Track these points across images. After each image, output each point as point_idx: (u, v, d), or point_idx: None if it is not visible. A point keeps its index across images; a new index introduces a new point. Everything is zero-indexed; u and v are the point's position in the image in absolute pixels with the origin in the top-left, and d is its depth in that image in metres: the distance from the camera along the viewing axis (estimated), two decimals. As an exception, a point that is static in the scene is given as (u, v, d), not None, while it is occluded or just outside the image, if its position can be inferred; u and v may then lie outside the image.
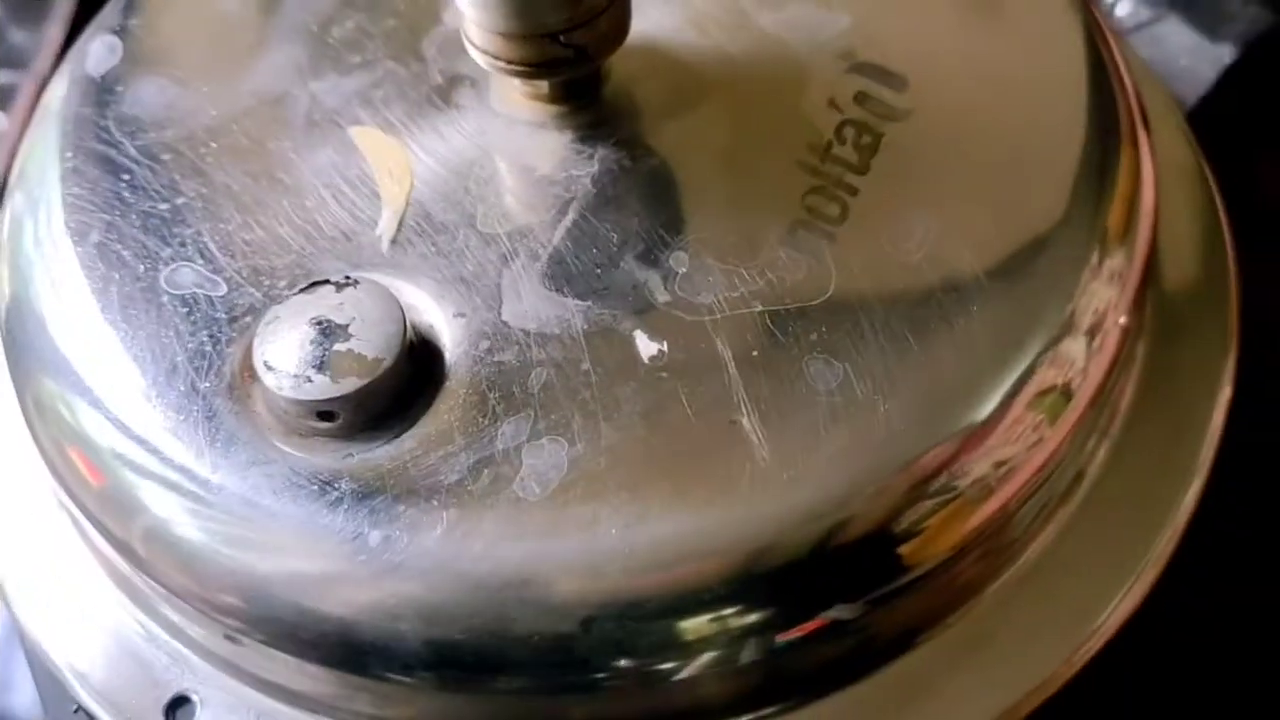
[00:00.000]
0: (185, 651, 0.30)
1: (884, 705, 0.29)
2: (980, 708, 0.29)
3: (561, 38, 0.28)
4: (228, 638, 0.28)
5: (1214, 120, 0.39)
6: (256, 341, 0.27)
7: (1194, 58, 0.39)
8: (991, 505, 0.28)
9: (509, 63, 0.29)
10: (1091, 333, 0.29)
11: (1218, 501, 0.31)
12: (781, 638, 0.27)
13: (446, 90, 0.31)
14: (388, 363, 0.26)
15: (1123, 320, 0.29)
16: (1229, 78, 0.39)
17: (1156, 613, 0.30)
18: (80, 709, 0.31)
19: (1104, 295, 0.29)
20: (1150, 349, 0.32)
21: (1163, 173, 0.32)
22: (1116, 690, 0.30)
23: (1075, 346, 0.28)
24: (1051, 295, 0.28)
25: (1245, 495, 0.32)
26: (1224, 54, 0.39)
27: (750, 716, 0.28)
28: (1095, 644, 0.30)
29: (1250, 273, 0.34)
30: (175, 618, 0.29)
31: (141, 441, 0.27)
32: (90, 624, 0.31)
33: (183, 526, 0.27)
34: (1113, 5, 0.41)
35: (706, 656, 0.26)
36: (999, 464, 0.27)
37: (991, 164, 0.30)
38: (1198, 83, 0.39)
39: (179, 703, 0.29)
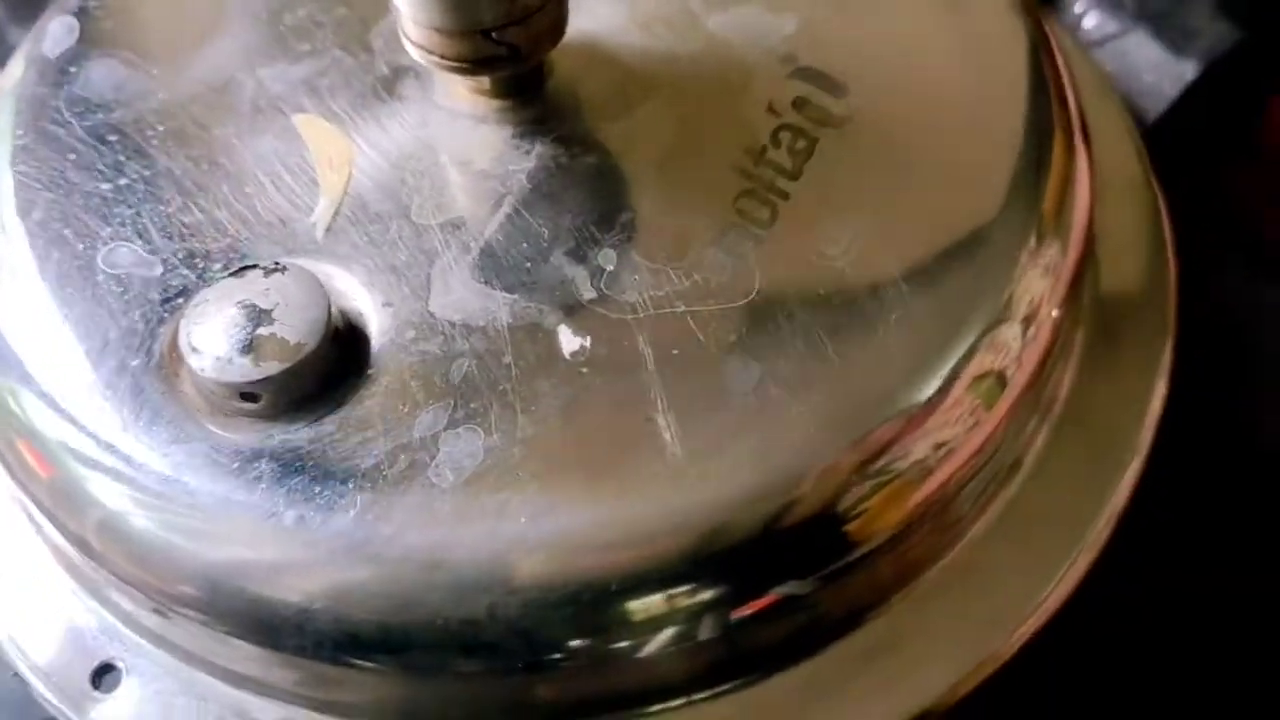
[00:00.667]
0: (113, 621, 0.30)
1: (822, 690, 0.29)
2: (916, 690, 0.29)
3: (494, 35, 0.28)
4: (155, 610, 0.28)
5: (1180, 132, 0.39)
6: (184, 323, 0.28)
7: (1158, 73, 0.39)
8: (905, 508, 0.28)
9: (442, 58, 0.29)
10: (1020, 336, 0.29)
11: (1150, 489, 0.31)
12: (707, 624, 0.27)
13: (391, 81, 0.32)
14: (310, 347, 0.27)
15: (1050, 328, 0.30)
16: (1191, 94, 0.39)
17: (1087, 599, 0.30)
18: (16, 675, 0.31)
19: (1034, 296, 0.29)
20: (1089, 341, 0.33)
21: (1107, 178, 0.33)
22: (1043, 676, 0.30)
23: (1001, 350, 0.29)
24: (975, 305, 0.29)
25: (1177, 483, 0.32)
26: (1187, 70, 0.39)
27: (661, 706, 0.28)
28: (1035, 623, 0.30)
29: (1212, 269, 0.35)
30: (100, 585, 0.29)
31: (65, 415, 0.28)
32: (24, 590, 0.31)
33: (103, 499, 0.27)
34: (1080, 18, 0.41)
35: (611, 643, 0.27)
36: (914, 466, 0.27)
37: (924, 171, 0.30)
38: (1160, 98, 0.39)
39: (105, 670, 0.30)
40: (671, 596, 0.27)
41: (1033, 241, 0.30)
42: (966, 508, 0.30)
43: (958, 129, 0.31)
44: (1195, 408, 0.33)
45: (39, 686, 0.30)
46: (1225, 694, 0.35)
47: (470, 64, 0.29)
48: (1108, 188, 0.34)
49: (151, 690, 0.29)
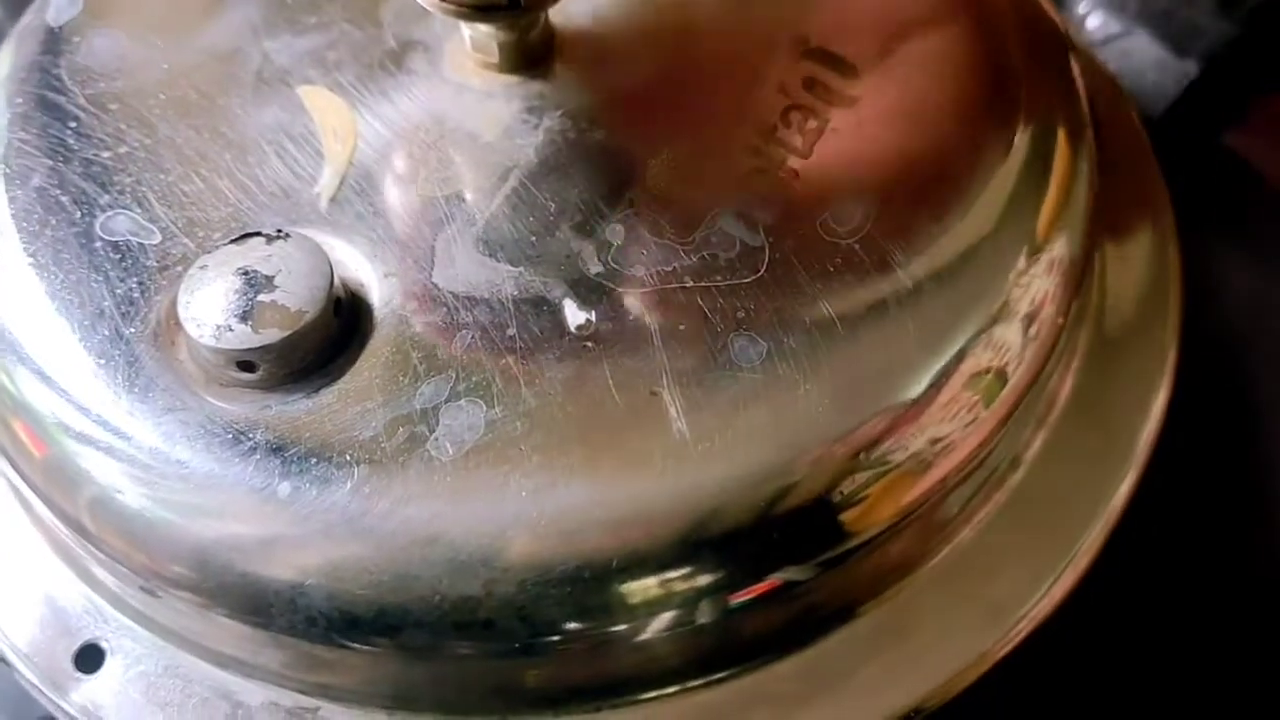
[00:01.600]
0: (100, 601, 0.30)
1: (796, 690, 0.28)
2: (916, 680, 0.29)
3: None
4: (144, 589, 0.28)
5: (1183, 130, 0.39)
6: (182, 289, 0.27)
7: (1160, 72, 0.39)
8: (909, 493, 0.27)
9: (443, 1, 0.28)
10: (1025, 325, 0.29)
11: (1152, 490, 0.30)
12: (706, 608, 0.27)
13: (399, 55, 0.31)
14: (311, 315, 0.26)
15: (1058, 314, 0.29)
16: (1193, 91, 0.39)
17: (1089, 596, 0.30)
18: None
19: (1039, 287, 0.29)
20: (1093, 338, 0.32)
21: (1114, 175, 0.32)
22: (1044, 672, 0.30)
23: (1007, 336, 0.28)
24: (984, 287, 0.28)
25: (1178, 485, 0.32)
26: (1189, 69, 0.39)
27: (655, 692, 0.28)
28: (1037, 616, 0.30)
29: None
30: (87, 564, 0.29)
31: (58, 386, 0.27)
32: (7, 571, 0.31)
33: (95, 474, 0.27)
34: (1084, 18, 0.40)
35: (608, 625, 0.26)
36: (920, 450, 0.27)
37: (933, 153, 0.30)
38: (1163, 97, 0.39)
39: (89, 650, 0.29)
40: (671, 578, 0.26)
41: (1038, 234, 0.29)
42: (970, 496, 0.29)
43: (967, 116, 0.30)
44: (1196, 410, 0.32)
45: (19, 667, 0.29)
46: (1224, 694, 0.35)
47: (469, 8, 0.28)
48: (1114, 185, 0.34)
49: (135, 671, 0.29)
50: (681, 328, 0.27)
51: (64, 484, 0.27)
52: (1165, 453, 0.31)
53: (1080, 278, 0.30)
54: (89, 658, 0.29)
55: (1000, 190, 0.29)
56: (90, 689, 0.29)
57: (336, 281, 0.27)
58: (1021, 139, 0.30)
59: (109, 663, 0.29)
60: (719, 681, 0.28)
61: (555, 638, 0.26)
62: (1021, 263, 0.29)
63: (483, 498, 0.25)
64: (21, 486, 0.30)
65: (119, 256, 0.28)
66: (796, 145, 0.30)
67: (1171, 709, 0.34)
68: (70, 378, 0.27)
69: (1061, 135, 0.31)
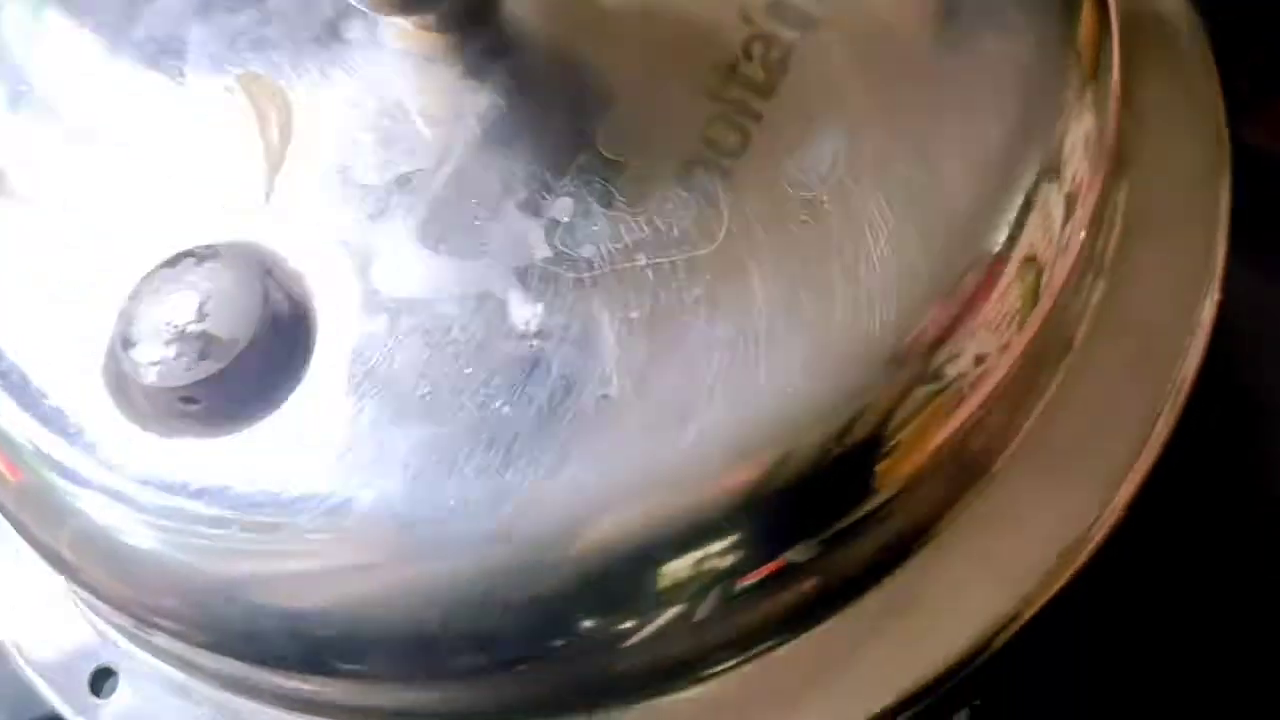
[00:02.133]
0: (104, 624, 0.30)
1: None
2: (937, 648, 0.27)
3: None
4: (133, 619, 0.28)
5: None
6: (118, 323, 0.26)
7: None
8: (904, 463, 0.25)
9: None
10: (1031, 274, 0.26)
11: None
12: (709, 599, 0.25)
13: (336, 24, 0.29)
14: (242, 345, 0.25)
15: (1070, 258, 0.26)
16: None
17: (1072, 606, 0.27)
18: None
19: (1051, 221, 0.26)
20: (1123, 245, 0.29)
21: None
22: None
23: (1006, 289, 0.25)
24: (972, 233, 0.25)
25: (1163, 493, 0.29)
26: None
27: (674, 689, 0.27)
28: (1077, 560, 0.27)
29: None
30: (84, 593, 0.29)
31: (19, 423, 0.27)
32: (25, 594, 0.31)
33: (58, 513, 0.27)
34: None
35: (614, 626, 0.25)
36: (894, 434, 0.25)
37: (916, 76, 0.26)
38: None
39: (102, 673, 0.29)
40: (662, 574, 0.25)
41: (1044, 165, 0.26)
42: (978, 451, 0.27)
43: (957, 32, 0.27)
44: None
45: (45, 690, 0.30)
46: (1225, 695, 0.32)
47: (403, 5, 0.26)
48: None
49: (145, 694, 0.29)
50: (634, 315, 0.25)
51: (38, 517, 0.27)
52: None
53: (1101, 198, 0.27)
54: (102, 680, 0.29)
55: (999, 113, 0.26)
56: (104, 712, 0.29)
57: (274, 297, 0.26)
58: (1029, 33, 0.27)
59: (120, 685, 0.29)
60: (730, 669, 0.27)
61: (553, 646, 0.25)
62: (1030, 192, 0.26)
63: (438, 522, 0.24)
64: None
65: (69, 288, 0.28)
66: (759, 81, 0.27)
67: (1172, 709, 0.32)
68: (27, 418, 0.27)
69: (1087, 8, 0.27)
